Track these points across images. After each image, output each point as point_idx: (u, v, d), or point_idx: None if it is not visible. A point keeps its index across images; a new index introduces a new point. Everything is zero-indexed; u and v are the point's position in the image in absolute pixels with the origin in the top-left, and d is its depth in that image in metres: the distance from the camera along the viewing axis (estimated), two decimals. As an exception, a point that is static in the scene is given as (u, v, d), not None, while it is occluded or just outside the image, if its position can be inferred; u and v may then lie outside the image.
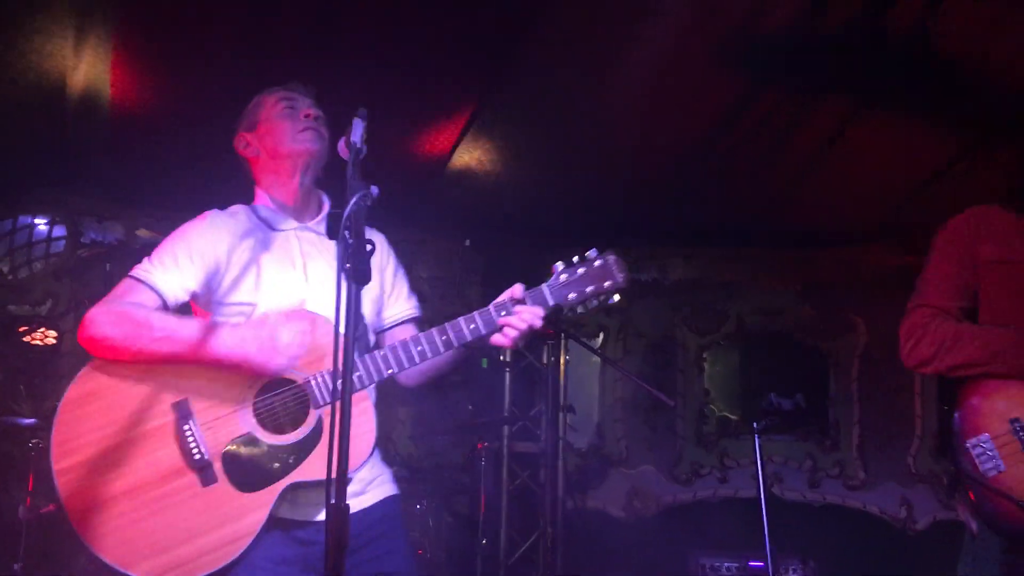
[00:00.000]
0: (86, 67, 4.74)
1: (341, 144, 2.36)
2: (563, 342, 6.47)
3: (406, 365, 2.39)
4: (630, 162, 5.73)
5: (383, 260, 2.71)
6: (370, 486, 2.55)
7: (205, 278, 2.49)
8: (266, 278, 2.50)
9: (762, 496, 4.13)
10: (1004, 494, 2.46)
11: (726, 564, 4.91)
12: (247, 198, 2.71)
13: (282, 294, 2.48)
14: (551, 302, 2.44)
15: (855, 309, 7.06)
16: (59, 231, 6.65)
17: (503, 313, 2.41)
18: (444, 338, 2.40)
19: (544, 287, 2.44)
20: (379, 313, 2.69)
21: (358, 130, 2.23)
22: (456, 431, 6.25)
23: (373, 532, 2.47)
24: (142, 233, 6.70)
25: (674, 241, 7.25)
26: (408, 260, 6.96)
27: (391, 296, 2.72)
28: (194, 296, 2.52)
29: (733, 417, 7.19)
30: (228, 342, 2.32)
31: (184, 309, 2.54)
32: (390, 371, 2.39)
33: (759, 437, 4.23)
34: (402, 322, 2.72)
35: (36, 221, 6.65)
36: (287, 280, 2.51)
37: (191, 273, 2.47)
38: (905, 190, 5.79)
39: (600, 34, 4.44)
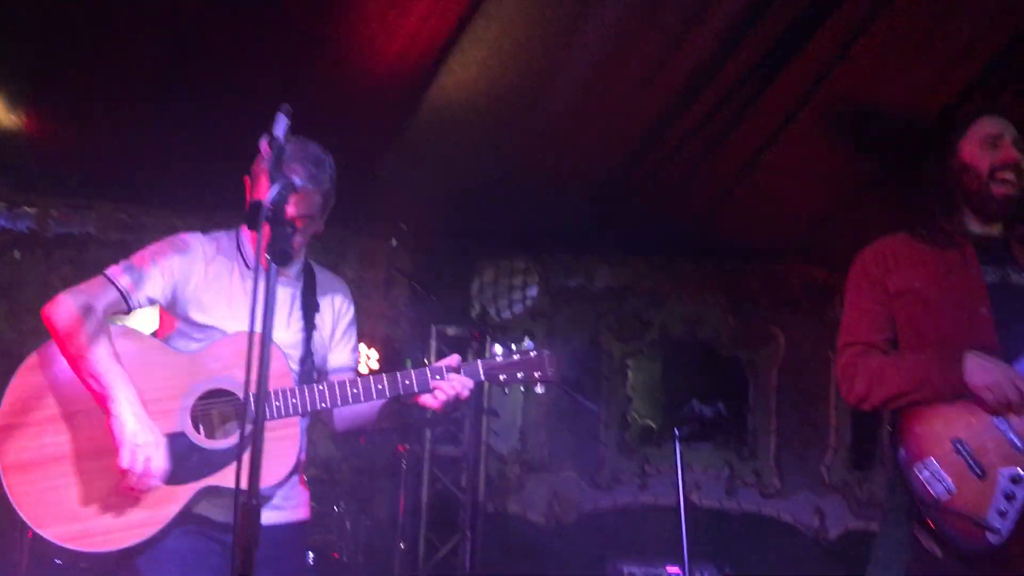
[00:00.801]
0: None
1: (263, 141, 2.45)
2: (488, 346, 6.46)
3: (339, 402, 2.57)
4: (558, 172, 5.76)
5: (340, 305, 2.87)
6: (287, 503, 2.69)
7: (172, 294, 2.65)
8: (230, 310, 2.64)
9: (681, 503, 4.18)
10: (961, 514, 2.49)
11: (644, 570, 4.94)
12: (167, 192, 2.75)
13: (239, 323, 2.57)
14: (482, 378, 2.65)
15: (775, 321, 7.21)
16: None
17: (437, 377, 2.59)
18: (379, 387, 2.57)
19: (479, 363, 2.66)
20: (325, 355, 2.84)
21: (281, 125, 2.31)
22: (378, 433, 6.17)
23: (276, 551, 2.54)
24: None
25: (601, 249, 7.31)
26: (334, 257, 6.90)
27: (340, 343, 2.87)
28: (155, 304, 2.66)
29: (655, 425, 7.26)
30: (119, 395, 2.44)
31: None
32: (323, 405, 2.56)
33: (680, 444, 4.27)
34: (342, 369, 2.86)
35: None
36: (245, 312, 2.55)
37: (158, 287, 2.62)
38: (822, 210, 5.96)
39: (533, 46, 4.48)
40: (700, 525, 4.50)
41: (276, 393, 2.51)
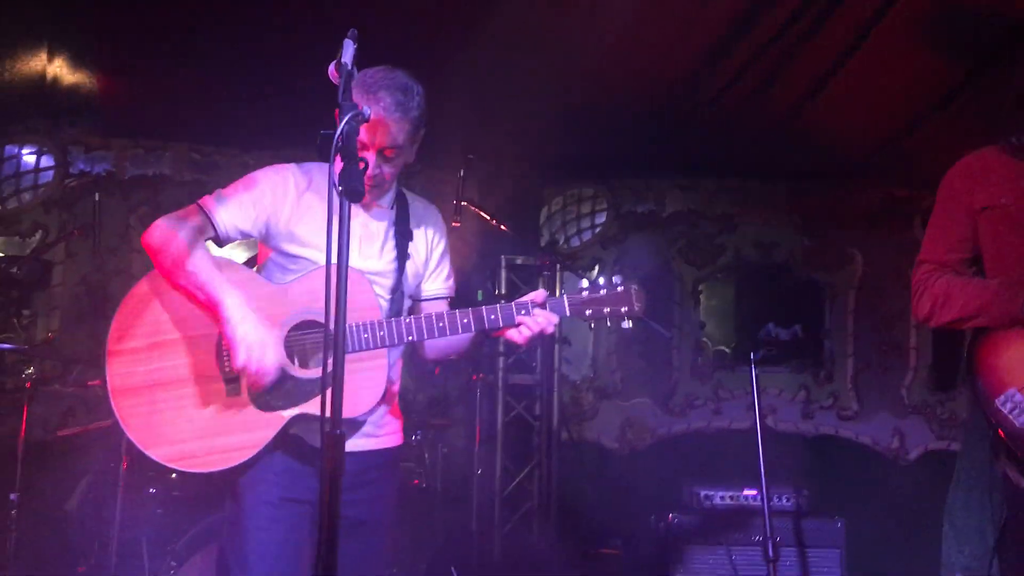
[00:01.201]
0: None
1: (331, 68, 2.35)
2: (558, 274, 6.44)
3: (426, 336, 2.60)
4: (623, 91, 5.62)
5: (434, 235, 2.90)
6: (379, 430, 2.77)
7: (263, 227, 2.69)
8: (322, 239, 2.56)
9: (758, 426, 4.15)
10: None
11: (720, 494, 4.94)
12: (244, 133, 2.78)
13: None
14: (568, 314, 2.66)
15: (852, 242, 7.03)
16: (47, 161, 6.56)
17: (522, 312, 2.61)
18: (465, 320, 2.60)
19: (565, 298, 2.67)
20: (419, 284, 2.87)
21: (348, 52, 2.28)
22: (452, 363, 6.24)
23: (366, 476, 2.67)
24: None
25: (670, 173, 7.18)
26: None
27: (433, 272, 2.89)
28: (247, 236, 2.70)
29: (728, 349, 7.20)
30: (228, 301, 2.53)
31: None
32: (410, 338, 2.60)
33: (755, 368, 4.23)
34: (435, 298, 2.90)
35: (23, 151, 6.55)
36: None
37: (248, 218, 2.66)
38: (902, 125, 5.71)
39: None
40: (776, 448, 4.46)
41: (364, 326, 2.55)
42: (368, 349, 2.56)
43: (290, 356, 2.58)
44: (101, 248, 6.11)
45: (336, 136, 1.99)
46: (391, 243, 2.76)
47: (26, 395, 4.97)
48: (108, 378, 2.55)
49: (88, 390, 5.04)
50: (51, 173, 6.54)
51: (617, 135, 6.24)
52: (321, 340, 2.57)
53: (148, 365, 2.56)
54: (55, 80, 5.59)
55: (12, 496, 4.73)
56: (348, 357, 2.45)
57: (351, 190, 1.97)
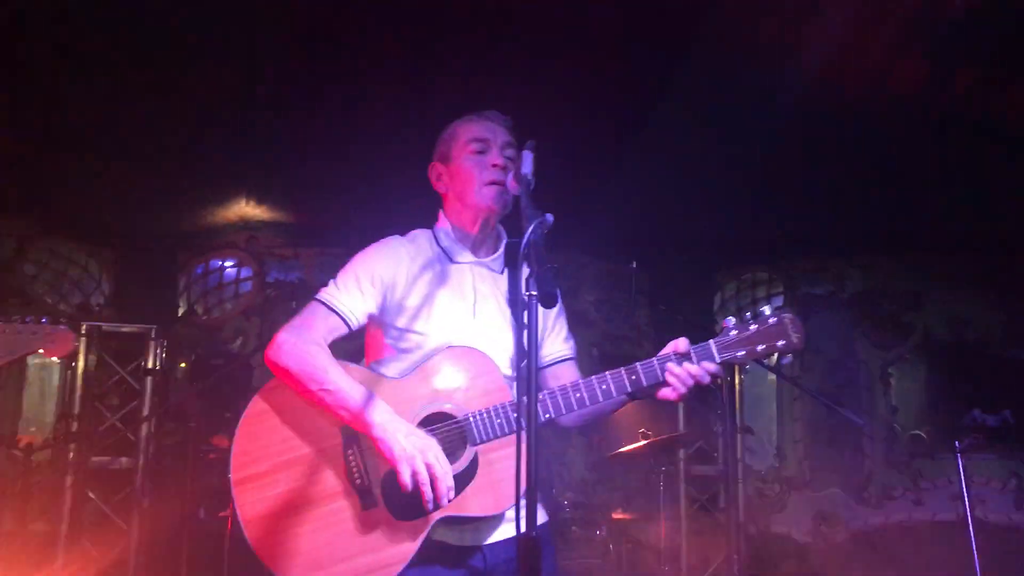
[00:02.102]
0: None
1: (510, 179, 2.45)
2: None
3: (563, 411, 2.41)
4: (799, 170, 5.53)
5: None
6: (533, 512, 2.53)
7: (383, 302, 2.54)
8: (437, 310, 2.53)
9: (969, 519, 3.86)
10: None
11: (929, 592, 4.58)
12: (421, 224, 2.76)
13: (451, 327, 2.50)
14: (718, 359, 2.39)
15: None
16: (246, 272, 7.08)
17: (668, 366, 2.38)
18: (604, 387, 2.40)
19: (712, 343, 2.41)
20: (540, 352, 2.66)
21: (527, 162, 2.28)
22: (629, 457, 6.17)
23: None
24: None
25: (848, 251, 6.95)
26: (572, 283, 7.00)
27: (551, 333, 2.68)
28: (371, 318, 2.56)
29: (925, 436, 6.77)
30: (377, 430, 2.34)
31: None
32: (547, 415, 2.40)
33: (961, 456, 3.96)
34: (559, 361, 2.68)
35: (225, 264, 7.11)
36: (457, 313, 2.53)
37: (371, 297, 2.52)
38: None
39: (769, 33, 4.33)
40: (988, 543, 4.12)
41: (496, 410, 2.38)
42: (505, 435, 2.37)
43: None
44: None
45: (524, 244, 2.01)
46: (507, 309, 2.55)
47: (232, 492, 5.28)
48: (238, 509, 2.36)
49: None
50: (249, 284, 7.04)
51: (793, 214, 6.11)
52: (449, 435, 2.39)
53: (275, 489, 2.37)
54: (251, 211, 6.12)
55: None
56: (485, 448, 2.36)
57: (545, 294, 1.95)
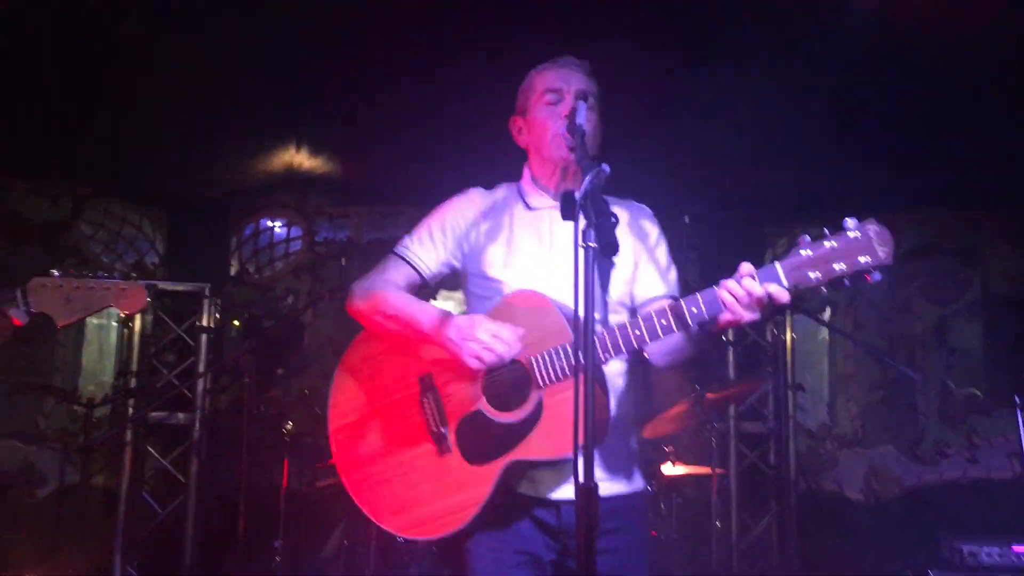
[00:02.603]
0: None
1: (563, 129, 2.43)
2: (788, 317, 6.22)
3: (623, 351, 2.29)
4: (852, 122, 5.40)
5: (640, 231, 2.61)
6: (614, 474, 2.48)
7: (459, 252, 2.60)
8: (515, 256, 2.54)
9: (1028, 476, 3.80)
10: None
11: (986, 550, 4.52)
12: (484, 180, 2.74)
13: (529, 273, 2.50)
14: (786, 283, 2.10)
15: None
16: (296, 232, 7.14)
17: (722, 283, 2.16)
18: (663, 322, 2.24)
19: (777, 263, 2.12)
20: (628, 292, 2.58)
21: (582, 112, 2.30)
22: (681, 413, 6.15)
23: (617, 522, 2.42)
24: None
25: (903, 205, 6.79)
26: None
27: (642, 272, 2.59)
28: (452, 268, 2.63)
29: (980, 392, 6.65)
30: (441, 332, 2.40)
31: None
32: (607, 356, 2.30)
33: (1021, 412, 3.88)
34: (655, 299, 2.55)
35: (274, 224, 7.17)
36: (535, 259, 2.53)
37: (444, 247, 2.60)
38: None
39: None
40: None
41: (557, 351, 2.33)
42: (567, 377, 2.31)
43: (490, 400, 2.41)
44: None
45: (581, 195, 1.98)
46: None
47: (285, 448, 5.39)
48: (335, 456, 2.57)
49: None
50: (299, 243, 7.11)
51: (842, 168, 5.99)
52: (516, 380, 2.38)
53: (365, 437, 2.54)
54: (301, 162, 6.13)
55: (276, 543, 5.11)
56: (552, 389, 2.33)
57: (607, 244, 1.92)
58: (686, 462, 5.40)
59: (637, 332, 2.26)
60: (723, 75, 4.79)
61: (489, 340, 2.33)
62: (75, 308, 2.41)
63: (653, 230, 2.65)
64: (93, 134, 5.64)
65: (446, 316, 2.42)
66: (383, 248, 6.86)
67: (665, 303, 2.39)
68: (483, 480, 2.38)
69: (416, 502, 2.46)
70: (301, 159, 6.11)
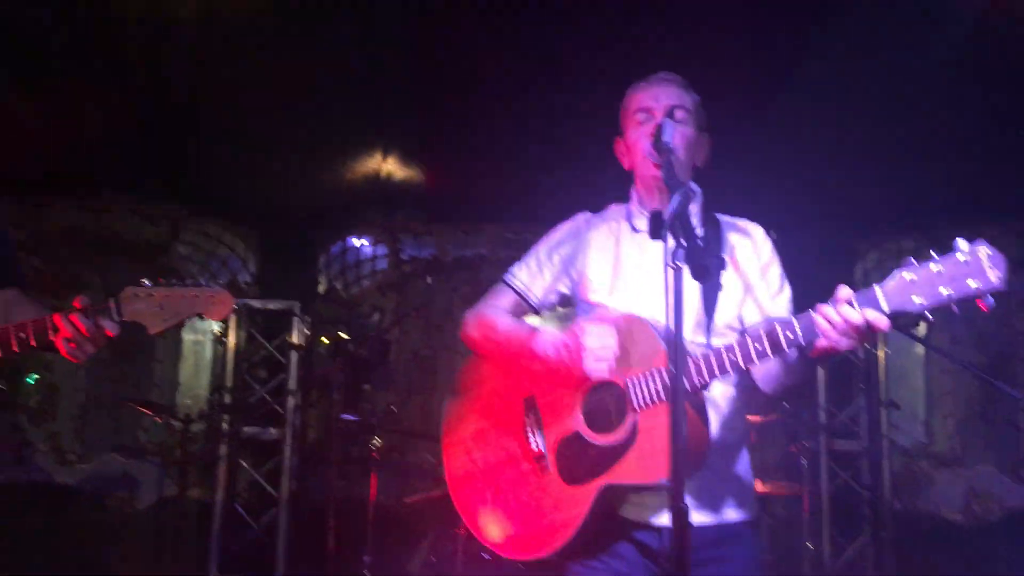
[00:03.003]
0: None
1: (649, 148, 2.41)
2: (880, 336, 6.06)
3: (718, 375, 2.22)
4: (947, 130, 5.23)
5: (750, 256, 2.53)
6: (718, 502, 2.41)
7: (567, 279, 2.61)
8: (620, 280, 2.53)
9: None
10: None
11: (1098, 577, 4.31)
12: (549, 213, 2.76)
13: (634, 297, 2.47)
14: (887, 307, 1.99)
15: None
16: (382, 250, 7.27)
17: (818, 307, 2.08)
18: (759, 347, 2.15)
19: (876, 288, 2.01)
20: (736, 316, 2.50)
21: (668, 130, 2.27)
22: (768, 430, 6.04)
23: (719, 551, 2.35)
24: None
25: (1004, 216, 6.55)
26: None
27: (755, 294, 2.51)
28: (561, 295, 2.64)
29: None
30: (548, 349, 2.42)
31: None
32: (700, 381, 2.24)
33: None
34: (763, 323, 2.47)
35: (361, 242, 7.31)
36: (640, 282, 2.50)
37: (552, 274, 2.61)
38: None
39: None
40: None
41: (653, 374, 2.28)
42: (662, 401, 2.25)
43: (589, 421, 2.39)
44: (431, 326, 6.63)
45: (668, 215, 1.96)
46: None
47: (372, 463, 5.47)
48: (445, 470, 2.64)
49: (424, 460, 5.44)
50: (385, 261, 7.23)
51: (942, 176, 5.80)
52: (612, 402, 2.37)
53: (472, 454, 2.61)
54: (388, 176, 6.24)
55: (365, 557, 5.18)
56: (646, 413, 2.29)
57: (699, 268, 1.90)
58: (776, 480, 5.29)
59: (732, 356, 2.19)
60: (811, 85, 4.71)
61: (600, 345, 2.31)
62: (166, 316, 2.44)
63: (765, 249, 2.56)
64: (190, 158, 5.85)
65: (548, 335, 2.44)
66: (468, 266, 7.04)
67: (763, 327, 2.31)
68: (580, 502, 2.36)
69: (516, 521, 2.48)
70: (387, 176, 6.21)
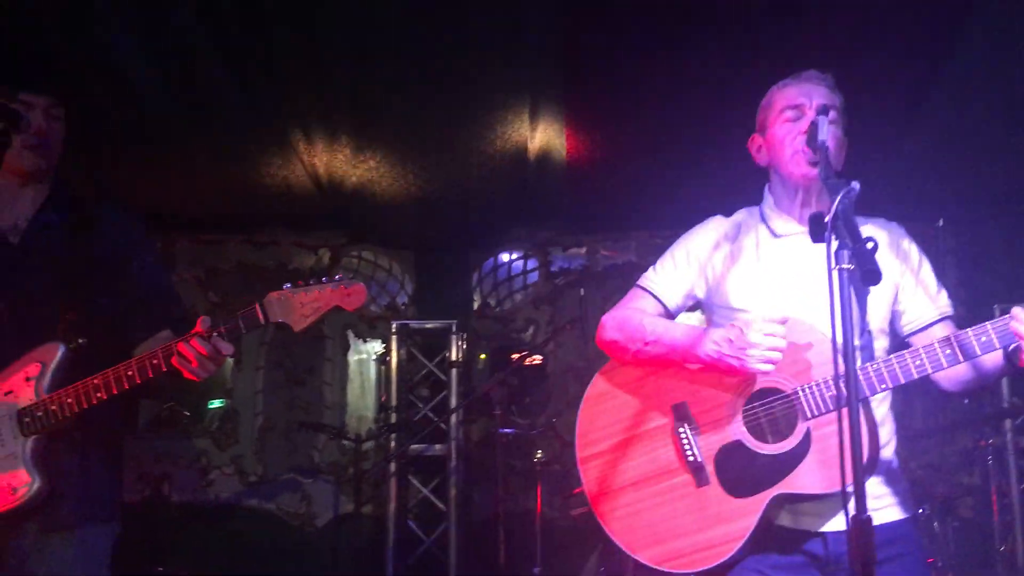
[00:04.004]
0: (541, 135, 5.35)
1: (803, 145, 2.36)
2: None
3: (901, 380, 2.21)
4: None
5: (895, 256, 2.49)
6: (883, 501, 2.38)
7: (702, 283, 2.58)
8: (762, 285, 2.48)
9: None
10: None
11: None
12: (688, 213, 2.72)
13: (778, 302, 2.42)
14: None
15: None
16: (532, 263, 7.35)
17: (1013, 312, 2.09)
18: (948, 352, 2.16)
19: None
20: (896, 316, 2.49)
21: (823, 127, 2.19)
22: (948, 429, 5.72)
23: (889, 551, 2.28)
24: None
25: None
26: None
27: (914, 294, 2.48)
28: (696, 299, 2.61)
29: None
30: (707, 346, 2.35)
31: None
32: (883, 386, 2.22)
33: None
34: (930, 325, 2.45)
35: (512, 256, 7.41)
36: (784, 288, 2.45)
37: (687, 278, 2.58)
38: None
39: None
40: None
41: (826, 382, 2.26)
42: (832, 410, 2.23)
43: (751, 430, 2.36)
44: (588, 337, 6.64)
45: (831, 216, 1.89)
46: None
47: (537, 476, 5.53)
48: (584, 485, 2.55)
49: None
50: (536, 274, 7.31)
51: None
52: (779, 410, 2.33)
53: (615, 467, 2.51)
54: (534, 188, 6.29)
55: (535, 569, 5.24)
56: (817, 422, 2.26)
57: (868, 272, 1.83)
58: (958, 478, 5.02)
59: (918, 362, 2.19)
60: (979, 67, 4.47)
61: (768, 341, 2.24)
62: (306, 312, 2.55)
63: (913, 250, 2.52)
64: (347, 188, 6.10)
65: (708, 332, 2.37)
66: (619, 275, 7.00)
67: (948, 331, 2.32)
68: (746, 513, 2.32)
69: (672, 534, 2.40)
70: (533, 189, 6.26)
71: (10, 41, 4.16)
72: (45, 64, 4.15)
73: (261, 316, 2.55)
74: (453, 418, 6.52)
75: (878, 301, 2.43)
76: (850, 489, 1.81)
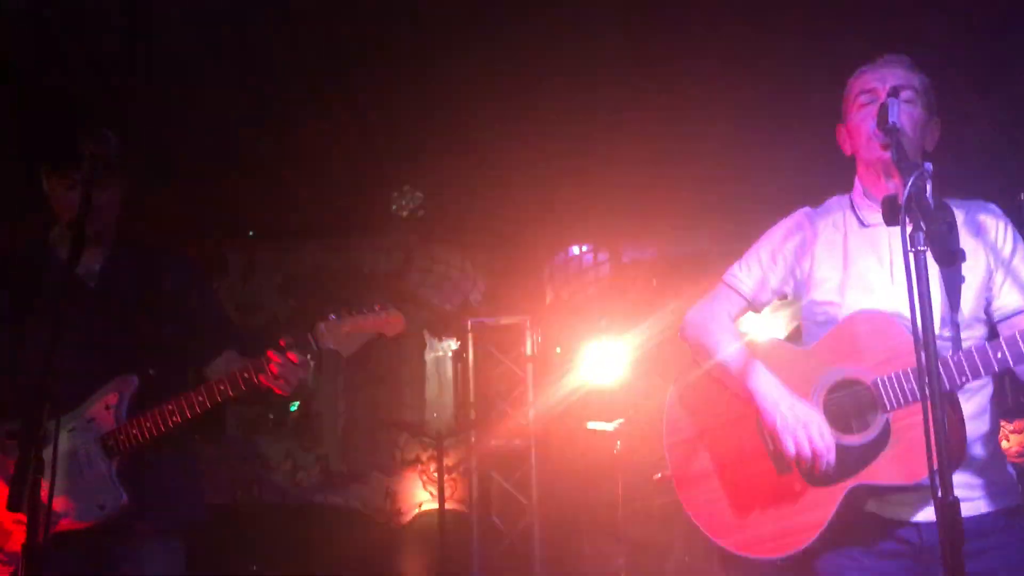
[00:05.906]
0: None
1: (874, 128, 2.27)
2: None
3: (982, 372, 2.17)
4: None
5: (993, 236, 2.40)
6: (978, 491, 2.35)
7: (790, 279, 2.55)
8: (852, 278, 2.44)
9: None
10: None
11: None
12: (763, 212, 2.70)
13: (868, 294, 2.40)
14: None
15: None
16: (602, 256, 7.34)
17: None
18: (999, 356, 2.14)
19: None
20: (989, 303, 2.40)
21: (894, 109, 2.13)
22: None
23: (986, 542, 2.26)
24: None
25: None
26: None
27: (1004, 280, 2.39)
28: (784, 295, 2.60)
29: None
30: (759, 387, 2.40)
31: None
32: (963, 379, 2.18)
33: None
34: (1015, 313, 2.36)
35: (582, 249, 7.42)
36: (873, 279, 2.42)
37: (774, 274, 2.55)
38: None
39: None
40: None
41: (906, 373, 2.24)
42: (913, 401, 2.22)
43: (831, 420, 2.35)
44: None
45: (904, 198, 1.85)
46: (934, 268, 2.18)
47: (616, 467, 5.56)
48: (671, 469, 2.60)
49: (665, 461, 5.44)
50: (607, 266, 7.30)
51: None
52: (859, 401, 2.33)
53: (700, 454, 2.56)
54: (598, 179, 6.30)
55: (618, 560, 5.27)
56: (900, 412, 2.25)
57: (944, 252, 1.81)
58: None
59: (999, 355, 2.14)
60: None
61: (818, 439, 2.29)
62: (353, 339, 2.76)
63: (1008, 233, 2.42)
64: (422, 190, 6.21)
65: (774, 388, 2.40)
66: (693, 263, 6.93)
67: None
68: (825, 502, 2.34)
69: (753, 520, 2.43)
70: (598, 180, 6.26)
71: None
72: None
73: (312, 343, 2.77)
74: (531, 412, 6.57)
75: (970, 288, 2.36)
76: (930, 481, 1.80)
